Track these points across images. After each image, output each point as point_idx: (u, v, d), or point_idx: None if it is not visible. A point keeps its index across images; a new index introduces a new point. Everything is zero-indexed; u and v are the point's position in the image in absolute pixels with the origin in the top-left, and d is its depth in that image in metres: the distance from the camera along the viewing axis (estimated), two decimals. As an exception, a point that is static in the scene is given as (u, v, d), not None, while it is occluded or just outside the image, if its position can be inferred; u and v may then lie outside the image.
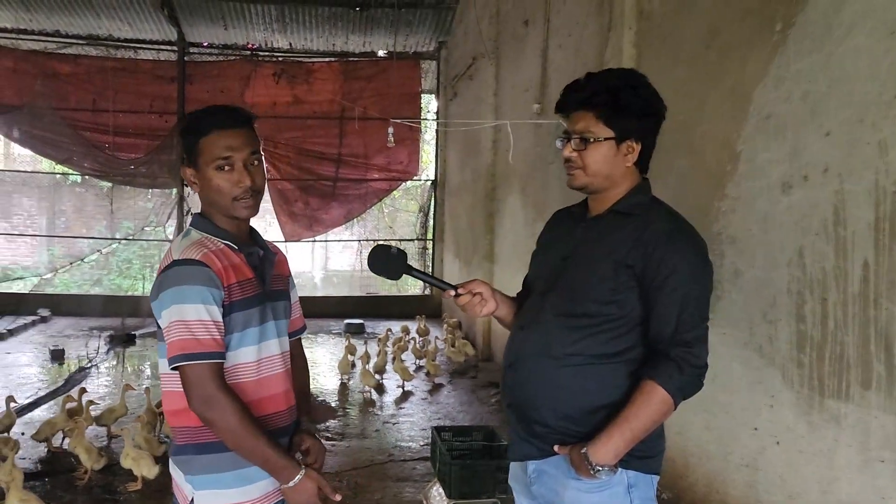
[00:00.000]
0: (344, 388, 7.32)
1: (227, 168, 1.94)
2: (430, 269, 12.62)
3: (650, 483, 2.00)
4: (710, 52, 3.72)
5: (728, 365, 3.42)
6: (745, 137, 3.39)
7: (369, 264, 2.15)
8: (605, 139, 1.97)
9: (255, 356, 1.97)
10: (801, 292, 2.97)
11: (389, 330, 9.09)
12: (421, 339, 8.96)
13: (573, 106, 2.03)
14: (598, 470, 1.87)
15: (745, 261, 3.37)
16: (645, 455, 1.97)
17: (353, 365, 7.78)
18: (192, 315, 1.83)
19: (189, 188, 11.55)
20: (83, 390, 5.64)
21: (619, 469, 1.92)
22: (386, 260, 2.13)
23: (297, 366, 2.21)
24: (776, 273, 3.13)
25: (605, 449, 1.87)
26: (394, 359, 7.45)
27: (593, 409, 1.96)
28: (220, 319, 1.87)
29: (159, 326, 1.92)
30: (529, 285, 2.25)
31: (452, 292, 2.13)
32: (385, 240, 13.91)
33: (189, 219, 11.32)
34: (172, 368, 1.85)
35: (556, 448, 1.99)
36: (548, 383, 2.01)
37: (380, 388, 7.18)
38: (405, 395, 7.00)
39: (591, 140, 1.98)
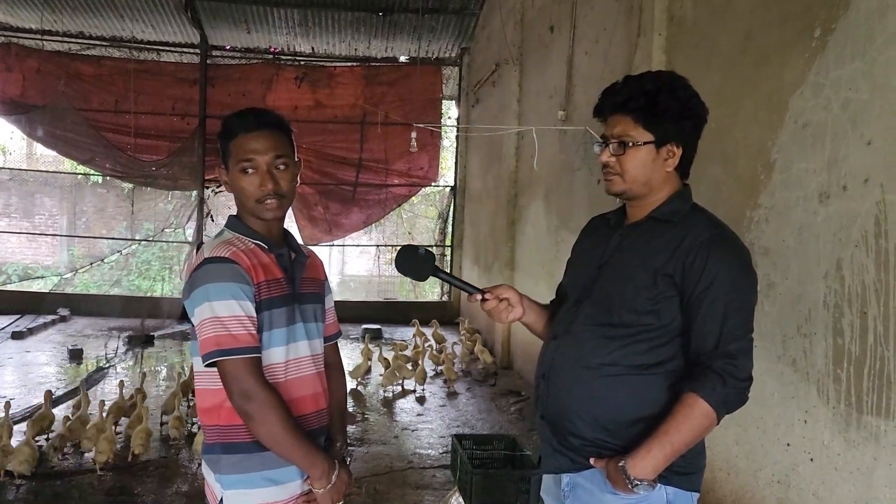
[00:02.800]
0: (362, 393, 7.27)
1: (250, 171, 1.95)
2: (449, 276, 12.55)
3: (690, 500, 1.93)
4: (745, 58, 3.65)
5: (760, 379, 3.30)
6: (781, 146, 3.32)
7: (396, 264, 2.12)
8: (644, 143, 1.92)
9: (283, 357, 1.96)
10: (838, 305, 2.89)
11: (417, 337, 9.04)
12: (438, 345, 8.92)
13: (610, 110, 1.99)
14: (637, 484, 1.81)
15: (778, 272, 3.29)
16: (685, 471, 1.90)
17: (368, 370, 7.75)
18: (224, 311, 1.83)
19: (208, 190, 11.72)
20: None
21: (658, 484, 1.85)
22: (414, 261, 2.10)
23: (334, 379, 2.20)
24: (812, 286, 3.05)
25: (644, 463, 1.81)
26: (413, 364, 7.41)
27: (630, 422, 1.90)
28: (254, 315, 1.88)
29: (193, 325, 1.92)
30: (564, 294, 2.19)
31: (479, 297, 2.09)
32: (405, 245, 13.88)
33: (208, 220, 11.39)
34: (208, 364, 1.85)
35: (591, 461, 1.93)
36: (582, 394, 1.95)
37: (401, 394, 7.15)
38: (423, 402, 6.94)
39: (630, 144, 1.92)
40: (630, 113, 1.93)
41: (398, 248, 2.16)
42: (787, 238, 3.24)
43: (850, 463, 2.79)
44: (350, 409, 6.58)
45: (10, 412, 5.13)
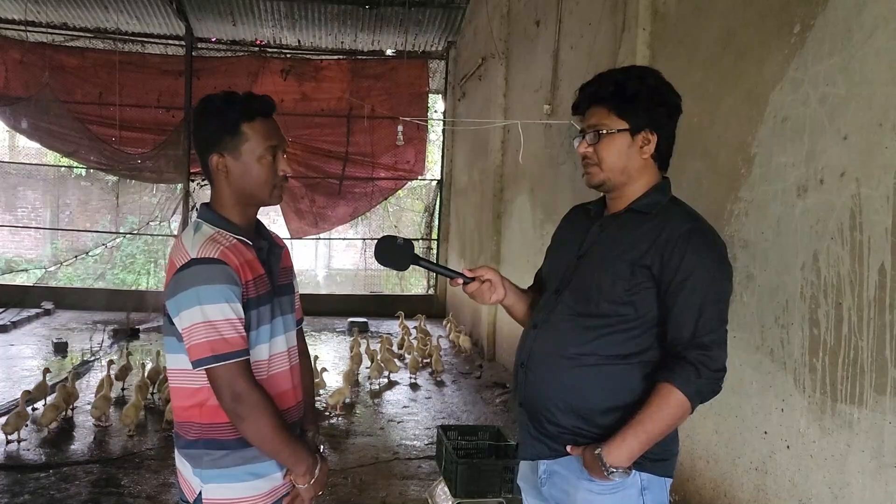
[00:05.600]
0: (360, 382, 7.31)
1: (272, 156, 1.93)
2: (435, 269, 12.60)
3: (663, 486, 1.97)
4: (727, 54, 3.70)
5: (738, 368, 3.40)
6: (761, 140, 3.38)
7: (376, 255, 2.13)
8: (619, 131, 1.96)
9: (267, 354, 1.97)
10: (814, 296, 2.95)
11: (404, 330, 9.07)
12: (424, 338, 8.96)
13: (585, 104, 2.03)
14: (612, 472, 1.85)
15: (757, 264, 3.36)
16: (659, 458, 1.95)
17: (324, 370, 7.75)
18: (217, 315, 1.81)
19: (194, 183, 11.67)
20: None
21: (633, 471, 1.90)
22: (393, 251, 2.11)
23: (302, 364, 2.20)
24: (789, 277, 3.12)
25: (620, 450, 1.85)
26: (400, 356, 7.45)
27: (606, 410, 1.94)
28: (243, 315, 1.86)
29: (171, 323, 1.89)
30: (542, 281, 2.23)
31: (461, 280, 2.11)
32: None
33: (193, 213, 11.31)
34: (204, 370, 1.84)
35: (568, 448, 1.97)
36: (560, 383, 1.98)
37: (387, 386, 7.22)
38: (410, 394, 6.99)
39: (605, 132, 1.96)
40: (603, 103, 1.97)
41: (377, 239, 2.17)
42: (765, 231, 3.31)
43: (824, 450, 2.86)
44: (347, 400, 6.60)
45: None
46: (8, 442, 5.11)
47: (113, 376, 6.15)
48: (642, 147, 1.97)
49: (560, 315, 2.02)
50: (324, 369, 6.72)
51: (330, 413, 6.12)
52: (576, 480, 1.96)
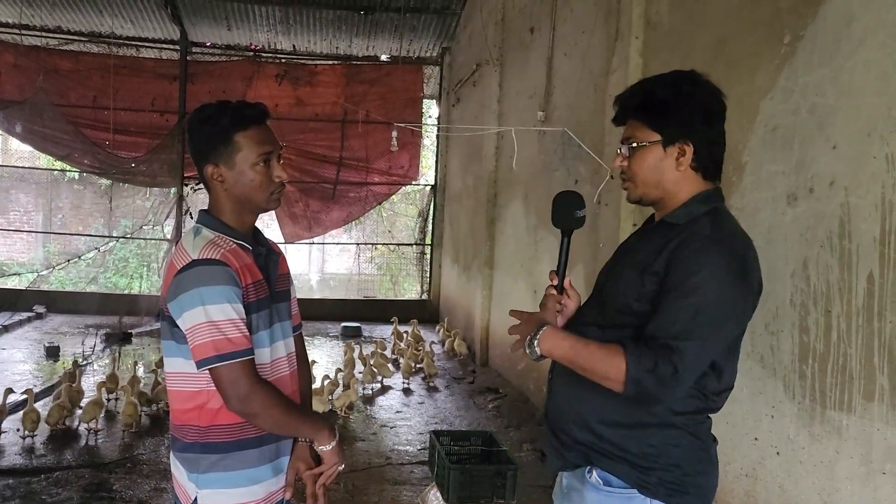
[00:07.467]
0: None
1: (266, 163, 1.96)
2: (428, 274, 12.62)
3: None
4: (718, 62, 3.74)
5: (730, 375, 3.42)
6: (751, 149, 3.41)
7: (557, 196, 2.12)
8: (650, 143, 1.87)
9: (269, 358, 1.98)
10: (804, 304, 2.98)
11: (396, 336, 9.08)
12: (417, 343, 8.98)
13: (621, 117, 1.97)
14: (531, 342, 1.85)
15: (748, 271, 3.38)
16: (675, 489, 1.85)
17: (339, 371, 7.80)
18: (219, 315, 1.82)
19: (188, 187, 11.64)
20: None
21: (642, 496, 1.84)
22: (569, 210, 2.09)
23: (301, 368, 2.21)
24: (779, 284, 3.15)
25: (553, 339, 1.85)
26: (395, 361, 7.46)
27: (614, 424, 1.88)
28: (245, 316, 1.88)
29: (171, 325, 1.90)
30: None
31: (556, 280, 2.05)
32: (384, 244, 13.94)
33: (187, 217, 11.30)
34: (207, 370, 1.85)
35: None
36: (574, 394, 1.96)
37: (380, 391, 7.22)
38: (402, 399, 7.00)
39: (635, 145, 1.89)
40: (636, 114, 1.91)
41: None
42: (756, 238, 3.28)
43: (813, 456, 2.89)
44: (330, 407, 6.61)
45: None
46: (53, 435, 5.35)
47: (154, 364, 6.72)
48: (678, 159, 1.87)
49: (582, 325, 2.00)
50: (338, 370, 6.88)
51: (339, 413, 6.20)
52: (583, 492, 1.94)
